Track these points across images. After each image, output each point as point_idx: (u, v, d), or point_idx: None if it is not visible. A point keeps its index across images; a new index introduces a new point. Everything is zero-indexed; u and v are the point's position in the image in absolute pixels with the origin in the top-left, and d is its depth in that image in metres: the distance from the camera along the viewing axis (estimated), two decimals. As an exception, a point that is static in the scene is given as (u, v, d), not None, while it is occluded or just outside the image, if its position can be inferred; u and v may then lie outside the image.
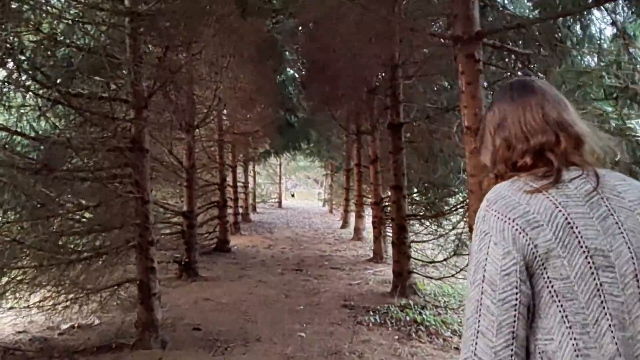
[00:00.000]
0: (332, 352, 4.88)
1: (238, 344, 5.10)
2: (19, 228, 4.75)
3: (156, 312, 5.11)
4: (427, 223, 8.16)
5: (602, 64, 4.51)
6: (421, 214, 8.27)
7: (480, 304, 1.00)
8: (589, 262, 0.98)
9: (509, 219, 1.01)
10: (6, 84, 4.43)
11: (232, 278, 8.52)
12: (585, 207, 1.01)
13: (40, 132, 4.99)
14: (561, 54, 4.85)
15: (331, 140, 16.94)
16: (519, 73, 5.31)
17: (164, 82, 5.26)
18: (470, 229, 4.58)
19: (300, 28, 11.07)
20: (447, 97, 8.14)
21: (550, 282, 0.99)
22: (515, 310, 0.97)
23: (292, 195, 36.93)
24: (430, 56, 6.77)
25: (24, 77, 4.63)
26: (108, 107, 5.09)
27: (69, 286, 4.99)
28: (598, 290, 0.97)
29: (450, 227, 7.73)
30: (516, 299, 0.97)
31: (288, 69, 16.40)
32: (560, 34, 4.92)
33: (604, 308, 0.96)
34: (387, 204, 10.37)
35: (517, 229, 1.00)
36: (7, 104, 4.57)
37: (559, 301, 0.98)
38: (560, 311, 0.98)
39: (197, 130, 8.57)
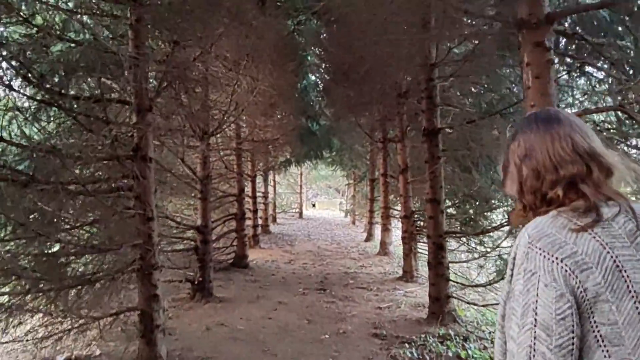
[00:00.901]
0: (365, 399, 4.10)
1: (254, 386, 4.36)
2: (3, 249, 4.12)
3: (159, 347, 4.41)
4: (464, 240, 7.29)
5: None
6: (461, 231, 7.41)
7: (534, 350, 0.95)
8: (637, 307, 0.95)
9: (557, 258, 0.98)
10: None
11: (250, 299, 7.80)
12: (631, 248, 0.99)
13: (34, 138, 4.38)
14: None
15: (354, 148, 16.20)
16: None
17: (171, 82, 4.58)
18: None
19: (324, 29, 10.36)
20: (487, 99, 7.35)
21: (597, 326, 0.96)
22: (572, 356, 0.94)
23: (313, 205, 36.21)
24: (471, 53, 5.97)
25: (9, 75, 4.01)
26: (108, 110, 4.44)
27: (61, 314, 4.32)
28: None
29: (493, 246, 6.89)
30: (572, 344, 0.94)
31: (310, 75, 15.79)
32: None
33: None
34: (417, 217, 9.56)
35: (566, 270, 0.96)
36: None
37: (605, 346, 0.95)
38: (605, 356, 0.95)
39: (212, 137, 7.91)
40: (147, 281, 4.40)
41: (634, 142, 4.54)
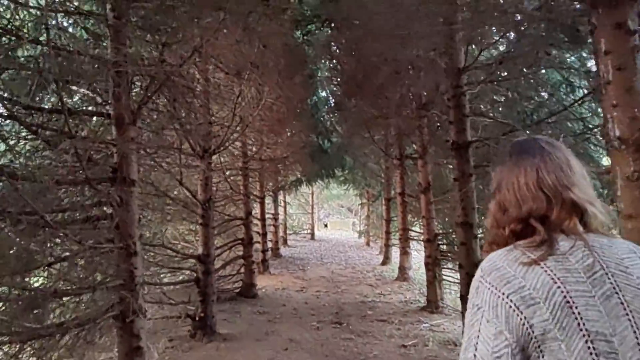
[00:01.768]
0: None
1: None
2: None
3: (143, 413, 3.59)
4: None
5: None
6: None
7: None
8: (589, 348, 0.90)
9: (503, 294, 0.95)
10: None
11: (258, 336, 6.95)
12: (586, 284, 0.94)
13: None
14: None
15: (368, 166, 15.39)
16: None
17: (159, 89, 3.85)
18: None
19: (335, 39, 9.66)
20: (519, 107, 6.55)
21: None
22: None
23: (325, 226, 35.26)
24: (507, 53, 5.20)
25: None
26: (87, 125, 3.73)
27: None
28: None
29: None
30: None
31: (320, 90, 15.13)
32: None
33: None
34: (441, 240, 8.71)
35: (510, 306, 0.93)
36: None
37: None
38: None
39: (214, 156, 7.17)
40: (128, 331, 3.60)
41: None
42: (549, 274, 0.94)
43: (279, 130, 9.49)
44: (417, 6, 4.45)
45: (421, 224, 12.31)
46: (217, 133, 6.87)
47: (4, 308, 3.40)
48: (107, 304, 3.64)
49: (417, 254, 12.69)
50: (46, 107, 3.58)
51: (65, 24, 4.08)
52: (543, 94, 6.63)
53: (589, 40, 4.41)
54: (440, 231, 8.74)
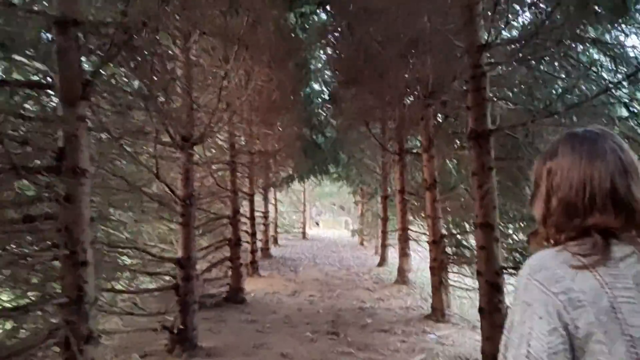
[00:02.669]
0: None
1: None
2: None
3: None
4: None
5: None
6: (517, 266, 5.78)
7: None
8: (631, 353, 0.90)
9: (553, 293, 0.95)
10: None
11: (245, 349, 6.17)
12: (634, 290, 0.93)
13: None
14: None
15: (363, 162, 14.65)
16: None
17: (117, 54, 3.04)
18: None
19: (332, 23, 8.86)
20: (541, 92, 5.82)
21: None
22: None
23: (317, 224, 34.46)
24: (541, 25, 4.44)
25: None
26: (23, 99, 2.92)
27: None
28: None
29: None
30: None
31: (314, 83, 14.36)
32: None
33: None
34: (447, 242, 7.97)
35: (561, 305, 0.93)
36: None
37: None
38: None
39: (198, 147, 6.37)
40: (74, 363, 2.80)
41: None
42: (597, 279, 0.94)
43: (270, 120, 8.70)
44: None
45: (425, 224, 11.64)
46: (200, 120, 6.07)
47: None
48: (49, 328, 2.84)
49: (416, 255, 11.97)
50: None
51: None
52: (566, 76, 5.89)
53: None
54: (444, 231, 7.99)
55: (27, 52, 3.07)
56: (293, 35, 9.12)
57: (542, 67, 5.72)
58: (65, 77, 2.92)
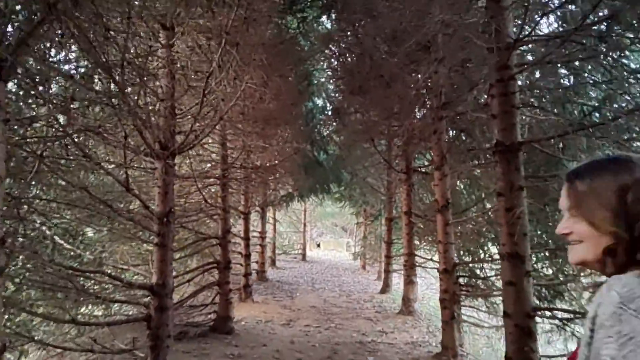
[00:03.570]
0: None
1: None
2: None
3: None
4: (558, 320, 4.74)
5: None
6: (550, 307, 4.94)
7: None
8: None
9: None
10: None
11: (226, 393, 5.31)
12: None
13: None
14: None
15: (367, 181, 13.85)
16: None
17: (53, 22, 2.28)
18: None
19: (336, 27, 8.16)
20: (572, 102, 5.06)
21: None
22: None
23: (318, 245, 33.44)
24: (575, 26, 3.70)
25: None
26: None
27: None
28: None
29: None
30: None
31: (316, 98, 13.69)
32: None
33: None
34: (461, 272, 7.13)
35: None
36: None
37: None
38: None
39: (179, 158, 5.60)
40: None
41: None
42: None
43: (267, 132, 7.94)
44: None
45: (431, 248, 10.79)
46: (182, 127, 5.32)
47: None
48: None
49: (421, 282, 11.10)
50: None
51: None
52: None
53: None
54: (461, 262, 7.15)
55: None
56: (293, 41, 8.43)
57: (583, 71, 4.96)
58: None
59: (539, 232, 5.68)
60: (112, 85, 3.93)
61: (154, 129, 4.83)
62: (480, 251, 7.73)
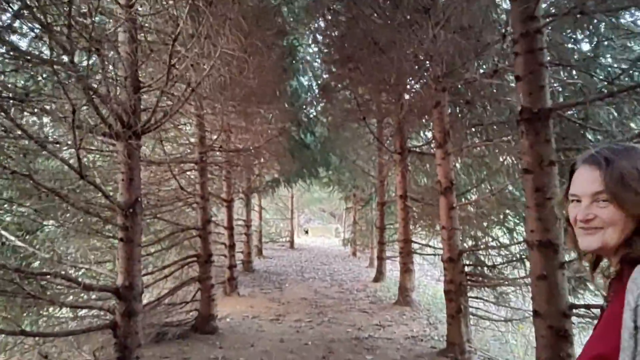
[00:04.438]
0: None
1: None
2: None
3: None
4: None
5: None
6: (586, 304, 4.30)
7: None
8: None
9: None
10: None
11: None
12: None
13: None
14: None
15: (357, 164, 13.16)
16: None
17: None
18: None
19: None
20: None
21: None
22: None
23: (306, 232, 32.78)
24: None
25: None
26: None
27: None
28: None
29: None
30: None
31: (301, 76, 12.88)
32: None
33: None
34: (467, 262, 6.49)
35: None
36: None
37: None
38: None
39: (146, 138, 4.83)
40: None
41: None
42: None
43: (248, 111, 7.16)
44: None
45: (426, 234, 10.16)
46: (149, 103, 4.54)
47: None
48: None
49: (417, 269, 10.48)
50: None
51: None
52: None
53: None
54: (469, 249, 6.51)
55: None
56: (276, 11, 7.62)
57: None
58: None
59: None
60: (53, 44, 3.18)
61: (111, 103, 4.06)
62: (486, 237, 7.12)
